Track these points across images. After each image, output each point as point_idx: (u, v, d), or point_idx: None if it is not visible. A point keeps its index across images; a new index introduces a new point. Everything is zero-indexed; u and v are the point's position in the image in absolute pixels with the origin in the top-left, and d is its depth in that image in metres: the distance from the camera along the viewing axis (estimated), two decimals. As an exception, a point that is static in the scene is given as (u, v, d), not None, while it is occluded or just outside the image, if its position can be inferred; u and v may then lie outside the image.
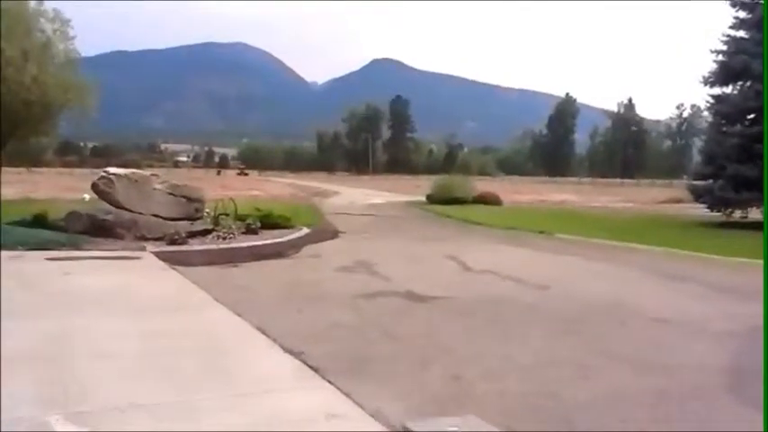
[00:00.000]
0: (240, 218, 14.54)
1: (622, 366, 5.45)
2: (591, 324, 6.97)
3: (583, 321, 7.07)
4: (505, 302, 8.00)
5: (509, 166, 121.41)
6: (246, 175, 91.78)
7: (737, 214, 21.99)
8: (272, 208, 16.40)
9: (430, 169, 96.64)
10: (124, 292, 7.93)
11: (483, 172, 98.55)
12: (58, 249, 10.76)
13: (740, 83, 22.34)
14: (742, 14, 22.16)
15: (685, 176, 51.58)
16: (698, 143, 61.04)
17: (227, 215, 14.51)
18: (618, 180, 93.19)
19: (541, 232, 16.88)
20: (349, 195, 37.05)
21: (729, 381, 5.20)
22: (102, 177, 13.07)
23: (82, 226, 12.33)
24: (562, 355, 5.76)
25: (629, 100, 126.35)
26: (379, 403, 4.30)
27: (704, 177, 23.18)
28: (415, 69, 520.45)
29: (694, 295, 8.96)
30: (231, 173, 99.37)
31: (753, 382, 5.01)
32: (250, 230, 13.69)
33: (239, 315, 6.75)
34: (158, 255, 10.79)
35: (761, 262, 11.47)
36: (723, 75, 22.52)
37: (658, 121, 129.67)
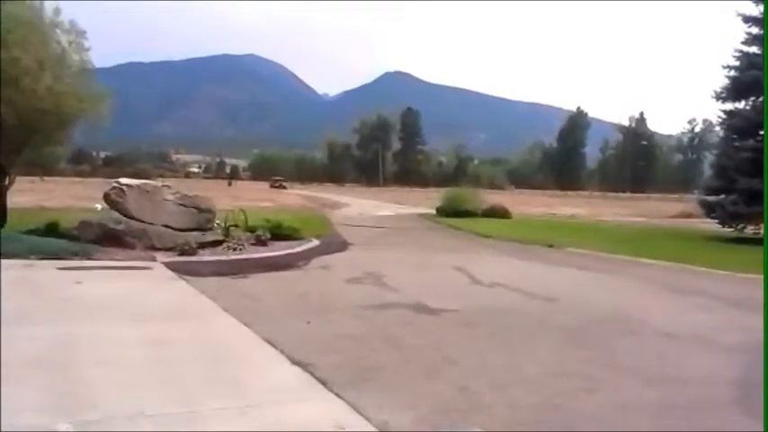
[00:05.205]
0: (250, 229, 14.60)
1: (629, 379, 5.45)
2: (598, 337, 6.96)
3: (590, 334, 7.06)
4: (514, 315, 7.99)
5: (519, 178, 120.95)
6: (285, 188, 78.75)
7: (749, 230, 21.81)
8: (281, 219, 16.43)
9: (440, 181, 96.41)
10: (134, 301, 7.98)
11: (493, 184, 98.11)
12: (70, 258, 10.84)
13: (752, 98, 22.29)
14: (755, 30, 22.12)
15: (696, 191, 51.21)
16: (709, 158, 60.65)
17: (237, 226, 14.57)
18: (628, 194, 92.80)
19: (551, 245, 16.83)
20: (359, 207, 37.10)
21: (735, 393, 5.18)
22: (114, 188, 13.18)
23: (93, 235, 12.42)
24: (569, 367, 5.75)
25: (641, 114, 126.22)
26: (387, 416, 4.31)
27: (715, 192, 23.06)
28: (427, 82, 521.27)
29: (704, 309, 8.91)
30: (242, 183, 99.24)
31: (758, 394, 4.99)
32: (260, 241, 13.76)
33: (247, 326, 6.77)
34: (168, 265, 10.85)
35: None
36: (735, 90, 22.49)
37: (670, 136, 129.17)
